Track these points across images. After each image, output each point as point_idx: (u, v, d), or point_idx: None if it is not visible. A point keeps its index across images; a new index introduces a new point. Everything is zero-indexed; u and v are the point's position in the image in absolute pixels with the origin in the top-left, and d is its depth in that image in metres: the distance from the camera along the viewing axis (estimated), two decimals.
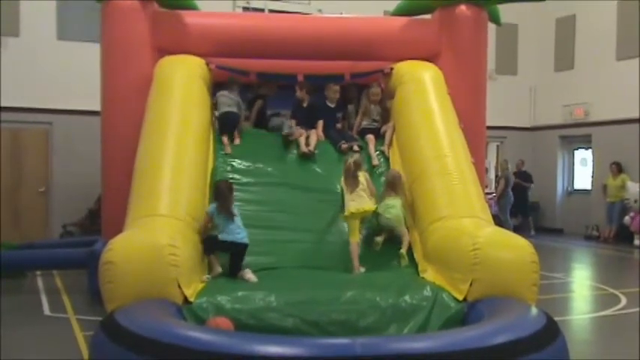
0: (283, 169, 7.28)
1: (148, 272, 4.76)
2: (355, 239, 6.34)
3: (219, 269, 5.84)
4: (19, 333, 6.37)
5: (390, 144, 7.55)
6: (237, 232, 5.92)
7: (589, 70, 15.53)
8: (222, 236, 5.90)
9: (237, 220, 5.98)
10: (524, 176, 15.48)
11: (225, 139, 7.39)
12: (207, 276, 5.62)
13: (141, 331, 3.88)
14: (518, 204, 14.85)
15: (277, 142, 7.59)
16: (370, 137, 7.62)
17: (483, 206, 6.44)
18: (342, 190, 6.64)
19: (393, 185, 6.71)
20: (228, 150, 7.27)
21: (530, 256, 5.20)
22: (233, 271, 5.85)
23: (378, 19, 9.28)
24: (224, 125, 7.53)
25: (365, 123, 7.87)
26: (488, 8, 8.13)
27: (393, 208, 6.54)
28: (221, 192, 6.01)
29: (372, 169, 7.21)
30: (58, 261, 8.93)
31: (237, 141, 7.48)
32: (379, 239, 6.54)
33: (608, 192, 14.37)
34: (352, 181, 6.44)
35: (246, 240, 5.95)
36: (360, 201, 6.38)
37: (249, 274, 5.78)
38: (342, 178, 6.59)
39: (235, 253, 5.90)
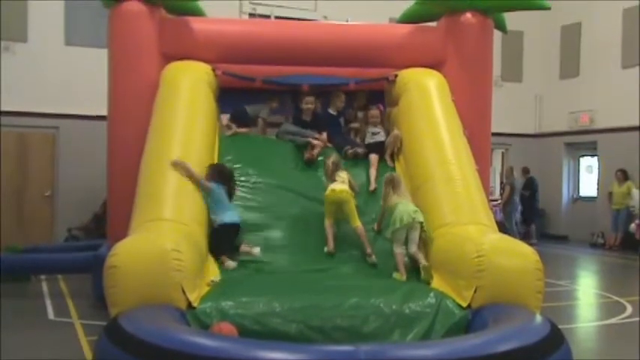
0: (287, 174, 7.27)
1: (153, 277, 4.77)
2: (329, 221, 6.52)
3: (232, 263, 6.03)
4: (23, 337, 6.40)
5: (393, 153, 7.47)
6: (235, 212, 6.38)
7: (594, 77, 15.52)
8: (224, 218, 6.17)
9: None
10: (532, 184, 15.42)
11: (225, 119, 7.81)
12: (213, 279, 5.58)
13: (145, 337, 3.88)
14: (527, 211, 14.79)
15: (282, 147, 7.61)
16: (374, 158, 7.34)
17: (487, 213, 6.43)
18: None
19: (393, 185, 6.39)
20: (226, 132, 7.67)
21: (535, 263, 5.19)
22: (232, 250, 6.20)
23: (383, 26, 9.28)
24: (233, 113, 8.09)
25: (368, 138, 7.63)
26: (493, 16, 8.13)
27: (416, 212, 6.14)
28: (226, 176, 6.43)
29: (368, 194, 7.02)
30: (63, 265, 8.95)
31: (228, 132, 7.70)
32: (399, 275, 6.02)
33: (613, 199, 14.34)
34: (333, 178, 6.68)
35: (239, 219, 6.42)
36: (335, 185, 6.59)
37: (248, 248, 6.21)
38: (324, 178, 6.83)
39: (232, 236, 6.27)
